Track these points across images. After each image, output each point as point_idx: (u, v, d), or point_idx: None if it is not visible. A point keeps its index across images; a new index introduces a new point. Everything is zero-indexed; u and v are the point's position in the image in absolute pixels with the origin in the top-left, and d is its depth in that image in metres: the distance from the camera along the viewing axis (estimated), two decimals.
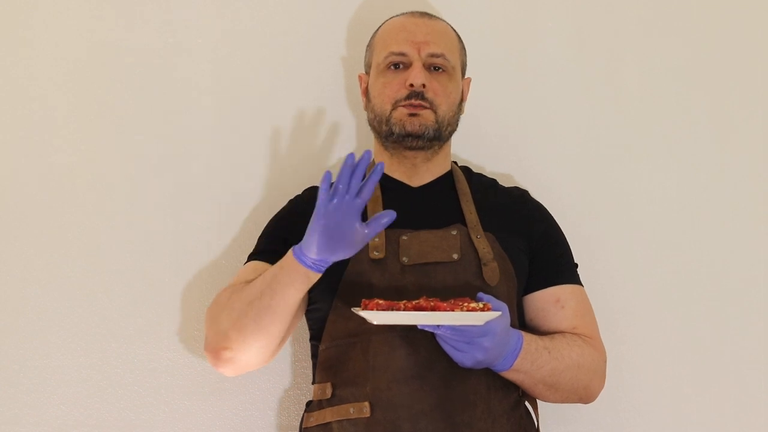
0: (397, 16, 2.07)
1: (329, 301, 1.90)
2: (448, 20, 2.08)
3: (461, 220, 1.95)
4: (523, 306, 1.97)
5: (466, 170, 2.09)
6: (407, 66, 1.98)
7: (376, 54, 2.03)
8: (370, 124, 2.04)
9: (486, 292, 1.82)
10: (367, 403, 1.82)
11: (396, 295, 1.81)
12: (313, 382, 1.95)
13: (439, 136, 1.98)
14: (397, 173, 2.03)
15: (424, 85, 1.96)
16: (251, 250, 2.02)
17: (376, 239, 1.90)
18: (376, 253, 1.89)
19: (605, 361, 1.96)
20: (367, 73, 2.07)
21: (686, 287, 2.31)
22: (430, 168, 2.03)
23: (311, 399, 1.94)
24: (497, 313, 1.71)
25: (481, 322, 1.71)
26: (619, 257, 2.30)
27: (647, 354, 2.28)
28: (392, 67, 1.99)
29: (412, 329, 1.79)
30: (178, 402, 2.17)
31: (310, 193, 2.04)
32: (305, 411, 1.95)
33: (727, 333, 2.31)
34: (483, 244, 1.91)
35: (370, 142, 2.09)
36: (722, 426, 2.29)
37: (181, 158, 2.22)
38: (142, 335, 2.17)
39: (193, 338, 2.18)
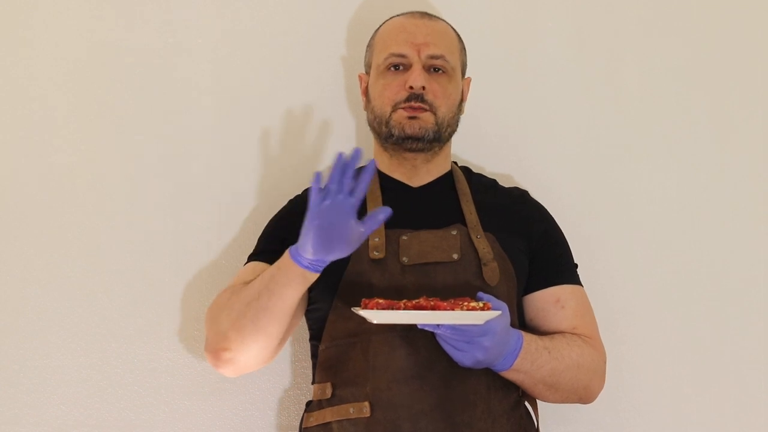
0: (397, 16, 2.07)
1: (329, 301, 1.90)
2: (448, 20, 2.08)
3: (461, 220, 1.95)
4: (523, 306, 1.97)
5: (466, 170, 2.09)
6: (407, 67, 1.98)
7: (376, 55, 2.03)
8: (370, 125, 2.04)
9: (486, 292, 1.82)
10: (367, 403, 1.82)
11: (396, 295, 1.81)
12: (313, 382, 1.95)
13: (439, 138, 1.98)
14: (397, 173, 2.03)
15: (423, 88, 1.95)
16: (251, 251, 2.02)
17: (376, 239, 1.90)
18: (376, 253, 1.89)
19: (605, 362, 1.96)
20: (367, 72, 2.07)
21: (686, 287, 2.31)
22: (430, 168, 2.03)
23: (311, 399, 1.94)
24: (497, 313, 1.71)
25: (481, 322, 1.71)
26: (619, 257, 2.30)
27: (647, 354, 2.28)
28: (392, 69, 1.99)
29: (412, 329, 1.79)
30: (178, 402, 2.17)
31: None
32: (305, 411, 1.94)
33: (727, 333, 2.31)
34: (483, 244, 1.91)
35: (370, 142, 2.09)
36: (722, 426, 2.29)
37: (181, 158, 2.22)
38: (142, 335, 2.17)
39: (193, 338, 2.18)
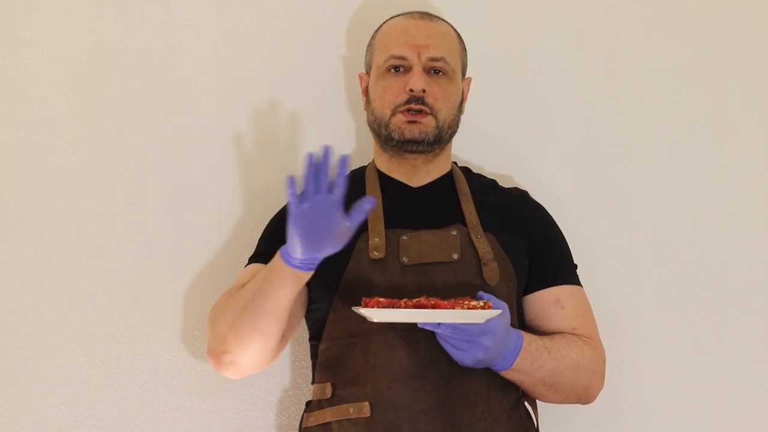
0: (397, 16, 2.06)
1: (329, 301, 1.90)
2: (448, 20, 2.08)
3: (461, 220, 1.95)
4: (522, 306, 1.97)
5: (466, 171, 2.09)
6: (407, 69, 1.98)
7: (377, 56, 2.03)
8: (370, 126, 2.04)
9: (486, 292, 1.82)
10: (367, 403, 1.82)
11: (396, 295, 1.80)
12: (313, 382, 1.95)
13: (440, 140, 1.98)
14: (397, 174, 2.03)
15: (424, 91, 1.95)
16: (251, 251, 2.02)
17: (377, 239, 1.89)
18: (376, 253, 1.89)
19: (604, 362, 1.96)
20: (368, 72, 2.07)
21: (686, 287, 2.31)
22: (430, 169, 2.03)
23: (311, 399, 1.94)
24: (498, 311, 1.71)
25: (481, 320, 1.71)
26: (619, 257, 2.30)
27: (647, 354, 2.28)
28: (392, 71, 1.99)
29: (412, 329, 1.79)
30: (178, 402, 2.17)
31: None
32: (305, 411, 1.94)
33: (727, 333, 2.31)
34: (483, 245, 1.91)
35: (370, 141, 2.09)
36: (722, 426, 2.29)
37: (181, 158, 2.22)
38: (142, 335, 2.17)
39: (193, 338, 2.18)
